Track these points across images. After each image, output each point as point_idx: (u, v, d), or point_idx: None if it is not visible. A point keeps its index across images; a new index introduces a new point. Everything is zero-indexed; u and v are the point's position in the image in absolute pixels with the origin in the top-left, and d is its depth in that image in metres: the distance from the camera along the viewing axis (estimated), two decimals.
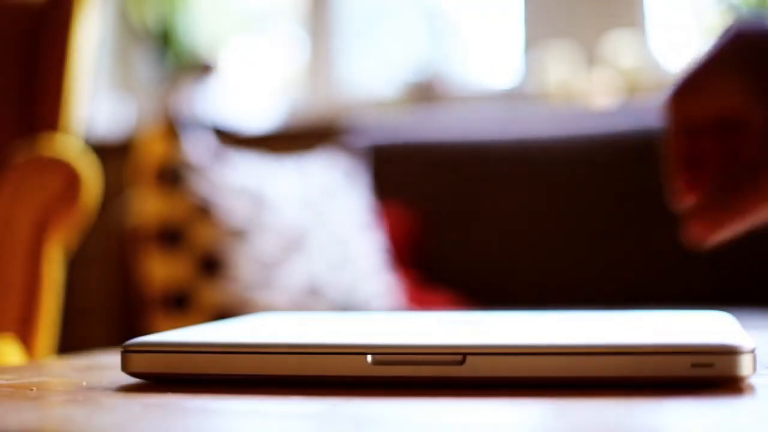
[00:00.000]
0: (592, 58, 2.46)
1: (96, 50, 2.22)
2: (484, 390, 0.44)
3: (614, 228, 2.07)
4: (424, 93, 2.57)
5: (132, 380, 0.50)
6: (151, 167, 1.67)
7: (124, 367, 0.49)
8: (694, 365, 0.43)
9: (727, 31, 0.57)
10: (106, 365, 0.58)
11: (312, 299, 1.71)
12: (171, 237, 1.64)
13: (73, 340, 2.21)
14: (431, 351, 0.46)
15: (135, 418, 0.40)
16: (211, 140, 1.82)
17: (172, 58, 2.72)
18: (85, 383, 0.50)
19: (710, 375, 0.43)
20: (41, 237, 1.34)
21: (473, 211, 2.15)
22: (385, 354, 0.46)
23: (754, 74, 0.56)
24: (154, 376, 0.49)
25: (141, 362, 0.49)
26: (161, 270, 1.63)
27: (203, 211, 1.65)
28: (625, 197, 2.08)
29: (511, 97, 2.53)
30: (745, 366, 0.43)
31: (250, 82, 2.76)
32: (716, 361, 0.43)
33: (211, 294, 1.62)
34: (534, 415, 0.39)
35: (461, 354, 0.45)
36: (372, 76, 2.77)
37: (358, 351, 0.47)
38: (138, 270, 1.69)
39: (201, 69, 2.65)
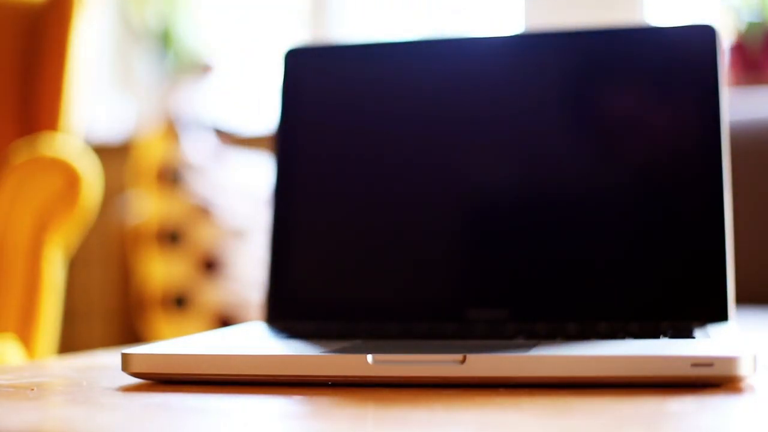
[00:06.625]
0: None
1: (96, 50, 2.22)
2: (484, 390, 0.44)
3: None
4: None
5: (132, 380, 0.50)
6: (151, 167, 1.67)
7: (125, 368, 0.49)
8: (694, 365, 0.43)
9: None
10: (106, 365, 0.58)
11: None
12: (171, 237, 1.64)
13: (73, 340, 2.22)
14: (432, 351, 0.46)
15: (135, 418, 0.40)
16: (211, 140, 1.82)
17: (172, 58, 2.72)
18: (85, 383, 0.50)
19: (710, 375, 0.43)
20: (41, 237, 1.34)
21: None
22: (385, 354, 0.46)
23: None
24: (155, 376, 0.49)
25: (142, 363, 0.49)
26: (161, 270, 1.63)
27: (203, 211, 1.65)
28: None
29: None
30: (744, 366, 0.43)
31: (250, 82, 2.76)
32: (716, 361, 0.43)
33: (211, 294, 1.62)
34: (534, 415, 0.39)
35: (461, 354, 0.45)
36: None
37: (359, 351, 0.47)
38: (138, 270, 1.68)
39: (201, 69, 2.65)
